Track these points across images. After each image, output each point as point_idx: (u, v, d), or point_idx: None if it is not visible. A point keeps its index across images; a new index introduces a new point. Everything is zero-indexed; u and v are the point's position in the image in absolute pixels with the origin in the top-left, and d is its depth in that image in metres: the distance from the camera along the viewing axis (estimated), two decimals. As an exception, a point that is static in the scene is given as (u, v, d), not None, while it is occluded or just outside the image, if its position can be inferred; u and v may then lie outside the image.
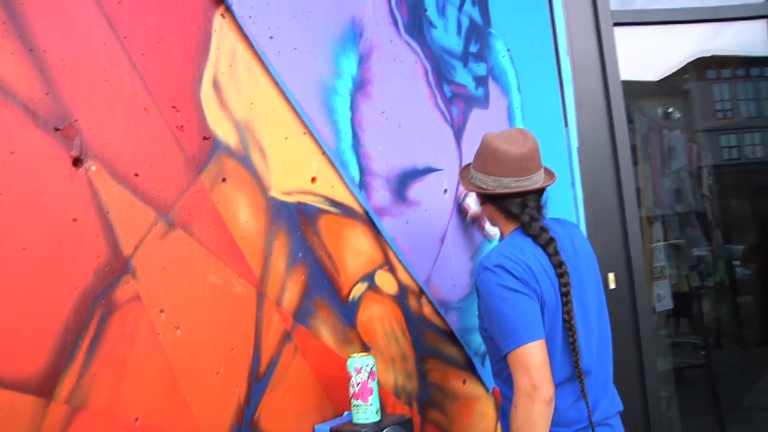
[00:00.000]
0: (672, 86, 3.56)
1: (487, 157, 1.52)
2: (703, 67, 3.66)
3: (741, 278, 3.29)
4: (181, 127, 1.46)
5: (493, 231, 1.95)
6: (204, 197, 1.47)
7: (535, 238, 1.46)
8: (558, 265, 1.42)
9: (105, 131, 1.36)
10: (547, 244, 1.44)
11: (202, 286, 1.44)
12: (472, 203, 1.93)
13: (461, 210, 1.97)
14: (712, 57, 3.58)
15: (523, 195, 1.49)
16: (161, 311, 1.38)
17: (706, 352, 3.08)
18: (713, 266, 3.20)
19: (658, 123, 3.12)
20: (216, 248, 1.47)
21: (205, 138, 1.49)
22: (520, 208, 1.49)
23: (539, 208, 1.52)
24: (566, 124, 2.27)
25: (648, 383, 2.16)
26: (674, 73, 3.52)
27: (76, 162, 1.32)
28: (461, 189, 1.97)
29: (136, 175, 1.39)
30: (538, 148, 1.52)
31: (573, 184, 2.24)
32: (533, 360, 1.31)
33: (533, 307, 1.37)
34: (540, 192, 1.53)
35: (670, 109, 3.26)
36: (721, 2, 2.41)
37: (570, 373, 1.41)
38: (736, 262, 3.28)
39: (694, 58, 3.51)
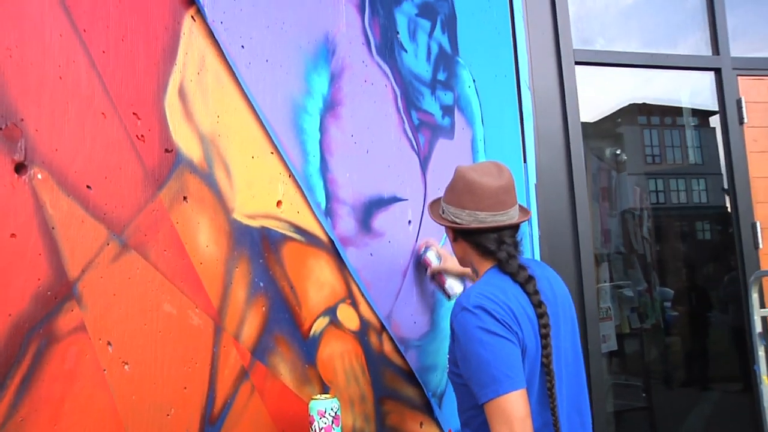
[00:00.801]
0: (606, 129, 3.88)
1: (462, 190, 1.55)
2: (634, 112, 4.06)
3: (671, 320, 3.62)
4: (142, 136, 1.42)
5: (455, 288, 1.95)
6: (162, 216, 1.43)
7: (513, 276, 1.48)
8: (537, 305, 1.45)
9: (55, 135, 1.30)
10: (526, 282, 1.47)
11: (155, 317, 1.39)
12: (434, 258, 1.97)
13: (420, 264, 2.00)
14: (644, 104, 3.96)
15: (499, 230, 1.52)
16: (108, 344, 1.32)
17: (647, 394, 3.31)
18: (651, 308, 3.49)
19: (607, 164, 3.39)
20: (173, 274, 1.43)
21: (167, 150, 1.45)
22: (496, 245, 1.51)
23: (516, 244, 1.55)
24: (525, 160, 2.40)
25: (597, 427, 2.31)
26: (608, 116, 3.85)
27: (19, 168, 1.25)
28: (421, 242, 2.02)
29: (88, 187, 1.33)
30: (513, 182, 1.58)
31: (530, 221, 2.36)
32: (515, 411, 1.31)
33: (515, 352, 1.38)
34: (516, 228, 1.58)
35: (618, 151, 3.55)
36: (668, 51, 2.69)
37: (543, 422, 1.43)
38: (667, 304, 3.60)
39: (626, 104, 3.87)
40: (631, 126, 4.04)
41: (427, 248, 1.99)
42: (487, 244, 1.52)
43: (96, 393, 1.29)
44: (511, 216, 1.53)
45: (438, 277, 1.96)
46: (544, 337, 1.42)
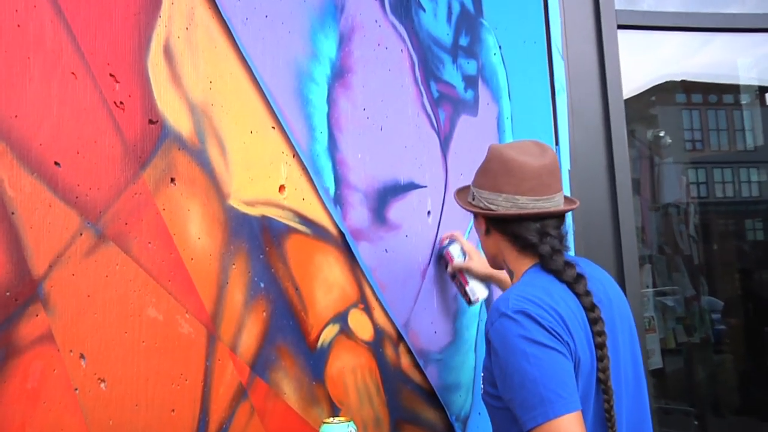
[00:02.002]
0: (637, 110, 3.85)
1: (498, 171, 1.49)
2: (672, 90, 4.03)
3: (719, 334, 3.56)
4: (121, 103, 1.34)
5: (478, 293, 1.88)
6: (146, 201, 1.36)
7: (558, 275, 1.43)
8: (590, 308, 1.40)
9: (14, 98, 1.22)
10: (574, 281, 1.42)
11: (137, 323, 1.33)
12: (457, 253, 1.90)
13: (442, 258, 1.94)
14: (683, 81, 3.94)
15: (542, 219, 1.47)
16: (81, 357, 1.25)
17: (699, 423, 3.26)
18: (699, 319, 3.46)
19: (648, 148, 3.35)
20: (158, 272, 1.36)
21: (151, 121, 1.38)
22: (538, 237, 1.46)
23: (561, 238, 1.50)
24: (557, 142, 2.35)
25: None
26: (639, 95, 3.81)
27: (-29, 139, 1.17)
28: (444, 234, 1.96)
29: (56, 163, 1.25)
30: (558, 163, 1.52)
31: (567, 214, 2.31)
32: None
33: (566, 366, 1.32)
34: (561, 218, 1.53)
35: (662, 133, 3.50)
36: (738, 9, 2.61)
37: None
38: (716, 315, 3.57)
39: (663, 81, 3.84)
40: (668, 106, 4.01)
41: (450, 241, 1.93)
42: (527, 235, 1.47)
43: (65, 417, 1.22)
44: (556, 203, 1.48)
45: (460, 276, 1.90)
46: (600, 347, 1.37)
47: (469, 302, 1.90)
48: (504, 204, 1.47)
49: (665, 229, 3.50)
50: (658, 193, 3.37)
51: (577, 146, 2.40)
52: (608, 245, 2.37)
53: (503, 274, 1.82)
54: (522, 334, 1.32)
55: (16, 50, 1.23)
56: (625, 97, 2.54)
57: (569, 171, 2.38)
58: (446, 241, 1.94)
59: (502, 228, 1.52)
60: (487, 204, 1.50)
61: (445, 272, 1.94)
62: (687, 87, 4.13)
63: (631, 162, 2.46)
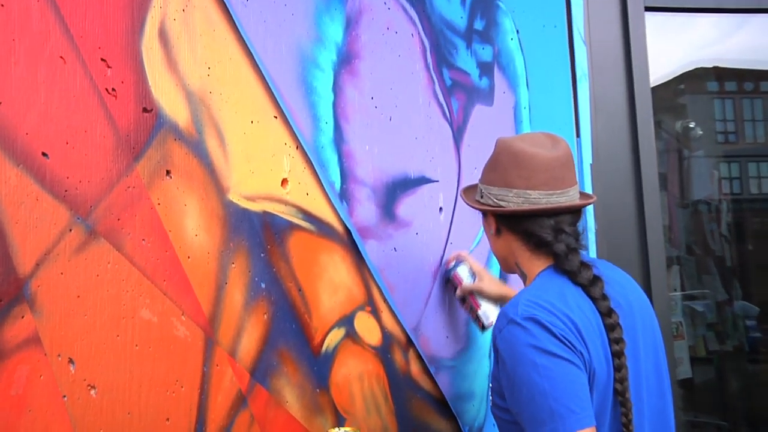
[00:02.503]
0: (665, 99, 3.81)
1: (508, 165, 1.48)
2: (703, 78, 3.97)
3: (753, 343, 3.49)
4: (113, 90, 1.33)
5: (492, 316, 1.83)
6: (140, 195, 1.34)
7: (573, 277, 1.42)
8: (606, 313, 1.38)
9: None
10: (590, 284, 1.41)
11: (130, 326, 1.31)
12: (466, 275, 1.87)
13: (449, 282, 1.90)
14: (715, 67, 3.88)
15: (557, 215, 1.46)
16: (70, 361, 1.24)
17: None
18: (732, 326, 3.41)
19: (676, 140, 3.31)
20: (153, 271, 1.35)
21: (145, 110, 1.37)
22: (553, 234, 1.45)
23: (577, 235, 1.49)
24: (578, 134, 2.34)
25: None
26: (667, 83, 3.77)
27: (-48, 128, 1.16)
28: (451, 255, 1.93)
29: (44, 154, 1.24)
30: (572, 155, 1.51)
31: (584, 210, 2.29)
32: None
33: (580, 378, 1.30)
34: (578, 215, 1.52)
35: (692, 124, 3.45)
36: None
37: None
38: (751, 322, 3.51)
39: (693, 68, 3.79)
40: (699, 95, 3.95)
41: (457, 262, 1.90)
42: (540, 233, 1.46)
43: (52, 426, 1.20)
44: (571, 197, 1.47)
45: (470, 299, 1.86)
46: (617, 355, 1.36)
47: (483, 327, 1.85)
48: (515, 200, 1.46)
49: (695, 227, 3.44)
50: (688, 189, 3.31)
51: (599, 138, 2.38)
52: (633, 245, 2.36)
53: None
54: (531, 342, 1.31)
55: (0, 32, 1.21)
56: (652, 85, 2.51)
57: (591, 165, 2.36)
58: (452, 263, 1.91)
59: (513, 226, 1.50)
60: (496, 201, 1.49)
61: (454, 296, 1.91)
62: (720, 74, 4.04)
63: (658, 155, 2.43)
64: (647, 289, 2.30)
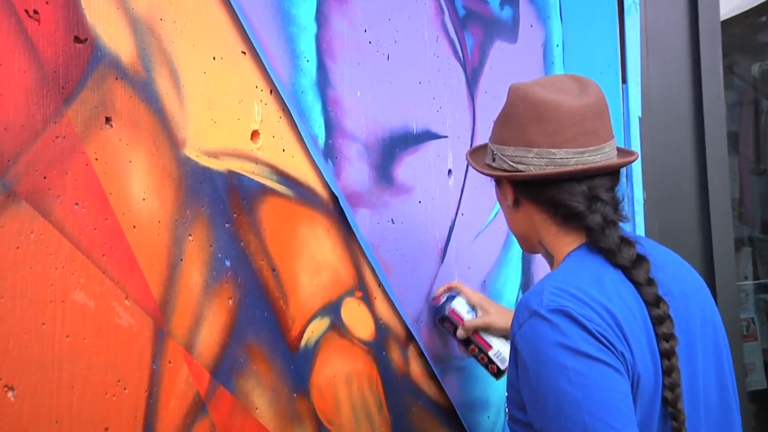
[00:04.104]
0: (737, 35, 3.71)
1: (525, 118, 1.46)
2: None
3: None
4: (35, 13, 1.30)
5: (507, 354, 1.73)
6: (73, 148, 1.33)
7: (610, 256, 1.41)
8: (654, 303, 1.38)
9: None
10: (633, 266, 1.40)
11: (59, 312, 1.30)
12: (464, 310, 1.82)
13: (445, 321, 1.85)
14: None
15: (590, 177, 1.44)
16: None
17: None
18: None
19: (754, 89, 3.25)
20: (89, 243, 1.34)
21: (77, 40, 1.34)
22: (586, 202, 1.44)
23: (616, 204, 1.48)
24: (624, 79, 2.33)
25: None
26: (740, 16, 3.67)
27: None
28: (441, 287, 1.90)
29: (-53, 95, 1.22)
30: (605, 101, 1.50)
31: (629, 176, 2.29)
32: None
33: (621, 386, 1.31)
34: (616, 177, 1.51)
35: None
36: None
37: None
38: None
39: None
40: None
41: (450, 296, 1.86)
42: (570, 201, 1.45)
43: (-38, 437, 1.21)
44: (607, 154, 1.46)
45: (476, 339, 1.82)
46: (667, 355, 1.36)
47: (498, 373, 1.82)
48: (536, 162, 1.45)
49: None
50: (765, 151, 3.27)
51: (652, 85, 2.37)
52: (692, 223, 2.35)
53: None
54: (560, 341, 1.31)
55: None
56: (722, 18, 2.48)
57: (639, 119, 2.36)
58: (443, 298, 1.87)
59: (535, 195, 1.50)
60: (513, 164, 1.48)
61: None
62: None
63: (727, 108, 2.41)
64: (709, 277, 2.30)
